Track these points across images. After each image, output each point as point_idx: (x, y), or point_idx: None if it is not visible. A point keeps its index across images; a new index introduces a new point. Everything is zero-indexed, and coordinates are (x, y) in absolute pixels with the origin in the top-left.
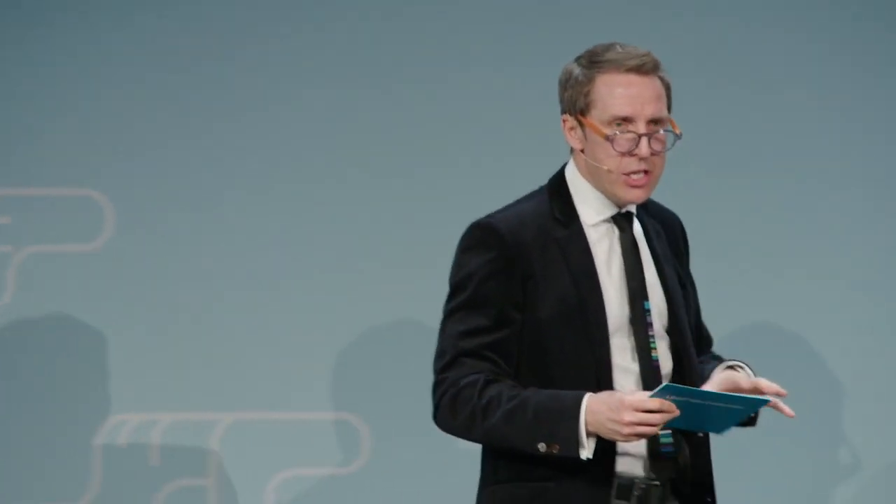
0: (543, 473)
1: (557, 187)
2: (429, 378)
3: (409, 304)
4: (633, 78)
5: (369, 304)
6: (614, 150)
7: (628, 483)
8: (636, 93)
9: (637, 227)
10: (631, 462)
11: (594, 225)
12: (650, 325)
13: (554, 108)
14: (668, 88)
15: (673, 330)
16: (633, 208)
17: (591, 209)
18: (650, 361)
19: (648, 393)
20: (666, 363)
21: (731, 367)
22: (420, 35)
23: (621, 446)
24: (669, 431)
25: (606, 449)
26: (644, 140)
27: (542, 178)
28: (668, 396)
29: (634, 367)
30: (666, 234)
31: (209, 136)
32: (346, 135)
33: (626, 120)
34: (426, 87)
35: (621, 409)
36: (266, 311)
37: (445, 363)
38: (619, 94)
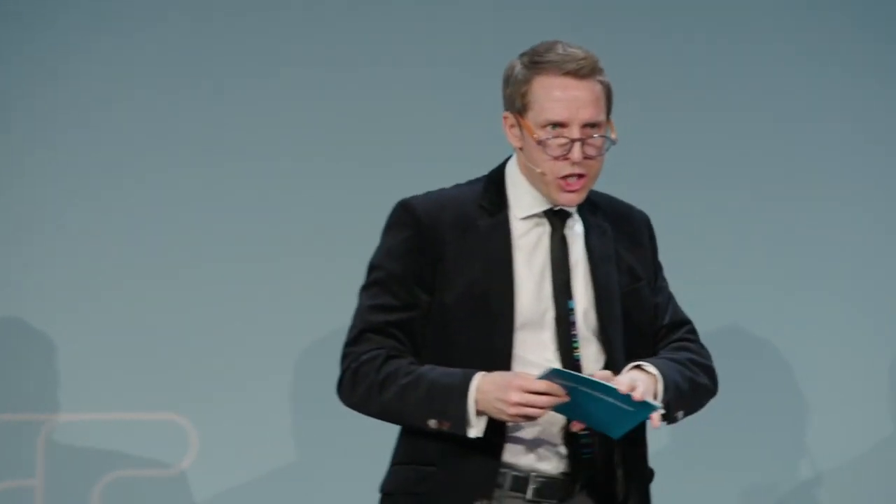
0: (431, 457)
1: (495, 177)
2: (254, 376)
3: (236, 302)
4: (570, 81)
5: (191, 302)
6: (547, 154)
7: (524, 475)
8: (571, 97)
9: (575, 226)
10: (538, 456)
11: (524, 218)
12: (573, 324)
13: None
14: (608, 91)
15: (600, 332)
16: (572, 207)
17: (524, 203)
18: (572, 361)
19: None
20: (591, 364)
21: (637, 367)
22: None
23: (533, 440)
24: (587, 432)
25: (494, 437)
26: (577, 145)
27: None
28: (555, 380)
29: (554, 364)
30: (621, 233)
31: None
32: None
33: (561, 124)
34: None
35: (508, 389)
36: (90, 313)
37: (352, 338)
38: (554, 97)
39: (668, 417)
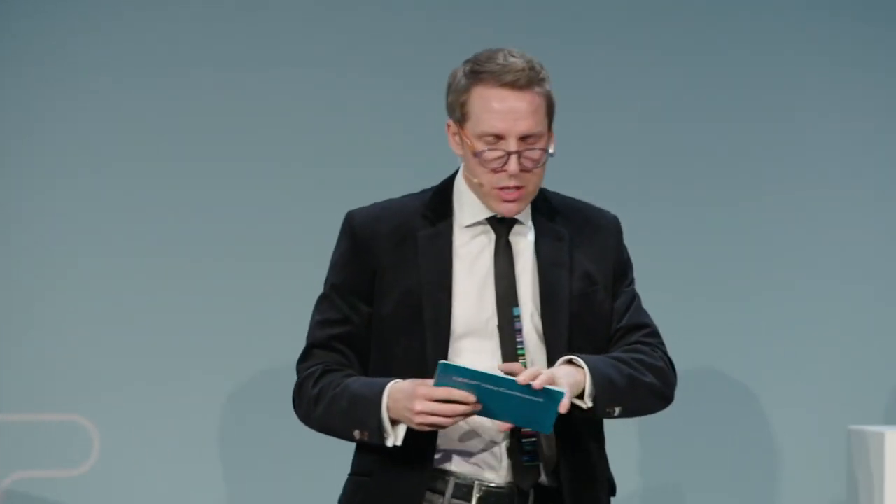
0: (369, 467)
1: (443, 186)
2: (154, 377)
3: (138, 303)
4: (507, 93)
5: (94, 303)
6: (484, 166)
7: (468, 483)
8: (508, 108)
9: (527, 233)
10: (483, 464)
11: (469, 226)
12: (519, 331)
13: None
14: (549, 102)
15: (545, 337)
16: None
17: (468, 211)
18: None
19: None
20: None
21: (568, 361)
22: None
23: (477, 448)
24: (534, 440)
25: (428, 446)
26: (513, 158)
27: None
28: (454, 379)
29: (497, 372)
30: (581, 238)
31: None
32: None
33: (498, 136)
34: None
35: (412, 398)
36: None
37: (301, 354)
38: (491, 109)
39: (601, 411)
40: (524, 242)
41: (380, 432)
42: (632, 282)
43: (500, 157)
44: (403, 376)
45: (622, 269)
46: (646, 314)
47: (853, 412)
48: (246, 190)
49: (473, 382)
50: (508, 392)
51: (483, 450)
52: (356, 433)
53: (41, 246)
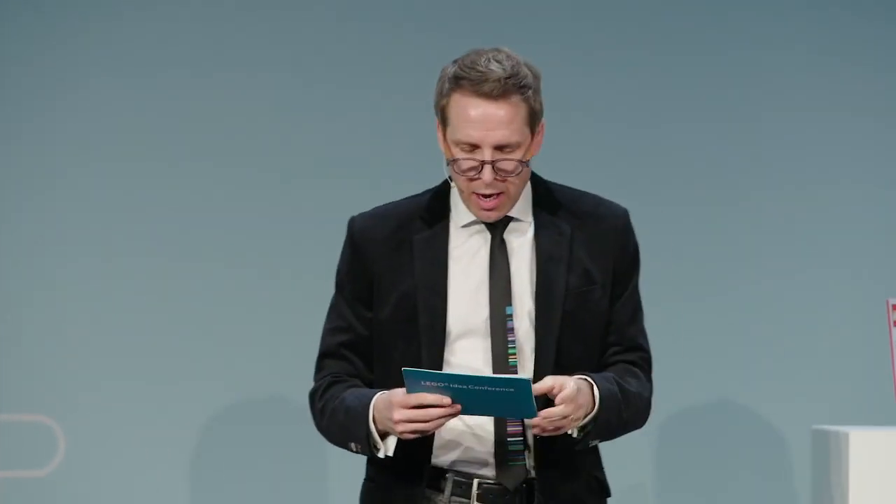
0: (370, 472)
1: (442, 187)
2: (118, 377)
3: (103, 304)
4: (483, 103)
5: (58, 304)
6: (460, 173)
7: (467, 481)
8: (483, 118)
9: (526, 230)
10: (476, 462)
11: (465, 226)
12: (511, 330)
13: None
14: (529, 109)
15: (535, 334)
16: (511, 211)
17: (464, 211)
18: (506, 366)
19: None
20: (530, 368)
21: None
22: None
23: (471, 446)
24: (520, 439)
25: (424, 445)
26: (487, 167)
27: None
28: (423, 384)
29: (486, 370)
30: (583, 234)
31: None
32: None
33: (472, 145)
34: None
35: (392, 408)
36: None
37: (316, 366)
38: (467, 117)
39: (581, 442)
40: (521, 239)
41: (367, 444)
42: (636, 285)
43: (474, 167)
44: (400, 380)
45: (625, 267)
46: (643, 332)
47: (817, 412)
48: (222, 192)
49: (443, 384)
50: (478, 388)
51: (478, 447)
52: (352, 446)
53: (4, 248)
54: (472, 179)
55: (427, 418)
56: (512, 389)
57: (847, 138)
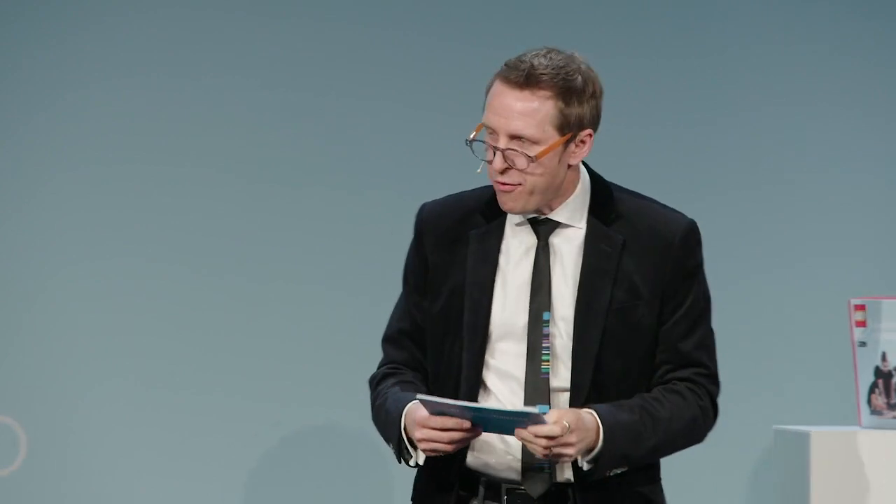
0: (416, 473)
1: None
2: (83, 380)
3: (66, 304)
4: (506, 89)
5: (20, 304)
6: (475, 155)
7: (497, 485)
8: (503, 105)
9: (572, 235)
10: (505, 468)
11: (519, 224)
12: (546, 336)
13: None
14: (559, 111)
15: (574, 346)
16: (557, 215)
17: None
18: (538, 373)
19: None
20: (561, 376)
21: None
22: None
23: (498, 451)
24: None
25: (459, 451)
26: (499, 154)
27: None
28: (439, 408)
29: (520, 375)
30: (637, 247)
31: None
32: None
33: (492, 130)
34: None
35: (414, 425)
36: None
37: (381, 348)
38: (492, 102)
39: (598, 474)
40: (569, 246)
41: (398, 450)
42: (695, 301)
43: (486, 150)
44: (445, 378)
45: (677, 286)
46: (706, 350)
47: (779, 412)
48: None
49: (460, 409)
50: (494, 417)
51: (506, 454)
52: (392, 445)
53: None
54: (489, 163)
55: (445, 440)
56: (524, 420)
57: (804, 139)
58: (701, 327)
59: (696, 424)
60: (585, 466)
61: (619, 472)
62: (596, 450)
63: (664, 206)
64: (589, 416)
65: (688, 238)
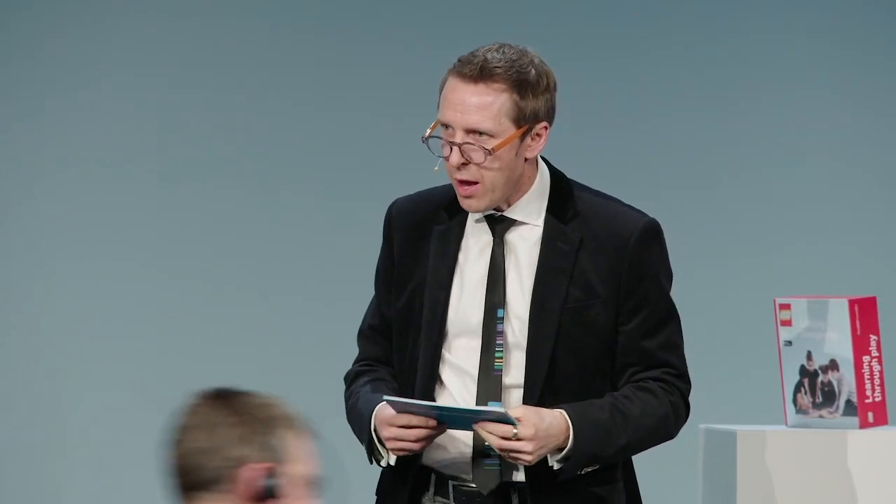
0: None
1: None
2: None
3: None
4: (460, 84)
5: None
6: (432, 152)
7: (446, 483)
8: (457, 100)
9: (527, 231)
10: (455, 465)
11: (478, 221)
12: (500, 333)
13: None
14: (514, 103)
15: (528, 344)
16: (513, 212)
17: None
18: (491, 370)
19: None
20: (514, 374)
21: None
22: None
23: (450, 448)
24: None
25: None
26: (455, 150)
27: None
28: (407, 408)
29: (474, 371)
30: (595, 245)
31: None
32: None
33: (447, 126)
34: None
35: (381, 424)
36: None
37: (357, 343)
38: (446, 98)
39: (568, 472)
40: (525, 243)
41: (369, 450)
42: (658, 300)
43: (442, 146)
44: (408, 372)
45: (635, 286)
46: (674, 349)
47: (706, 411)
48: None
49: (425, 407)
50: (459, 416)
51: (457, 450)
52: (364, 444)
53: None
54: (447, 160)
55: (411, 438)
56: (493, 419)
57: (729, 140)
58: (667, 327)
59: (667, 422)
60: (556, 466)
61: (590, 470)
62: (566, 449)
63: (624, 205)
64: (558, 415)
65: (644, 236)
